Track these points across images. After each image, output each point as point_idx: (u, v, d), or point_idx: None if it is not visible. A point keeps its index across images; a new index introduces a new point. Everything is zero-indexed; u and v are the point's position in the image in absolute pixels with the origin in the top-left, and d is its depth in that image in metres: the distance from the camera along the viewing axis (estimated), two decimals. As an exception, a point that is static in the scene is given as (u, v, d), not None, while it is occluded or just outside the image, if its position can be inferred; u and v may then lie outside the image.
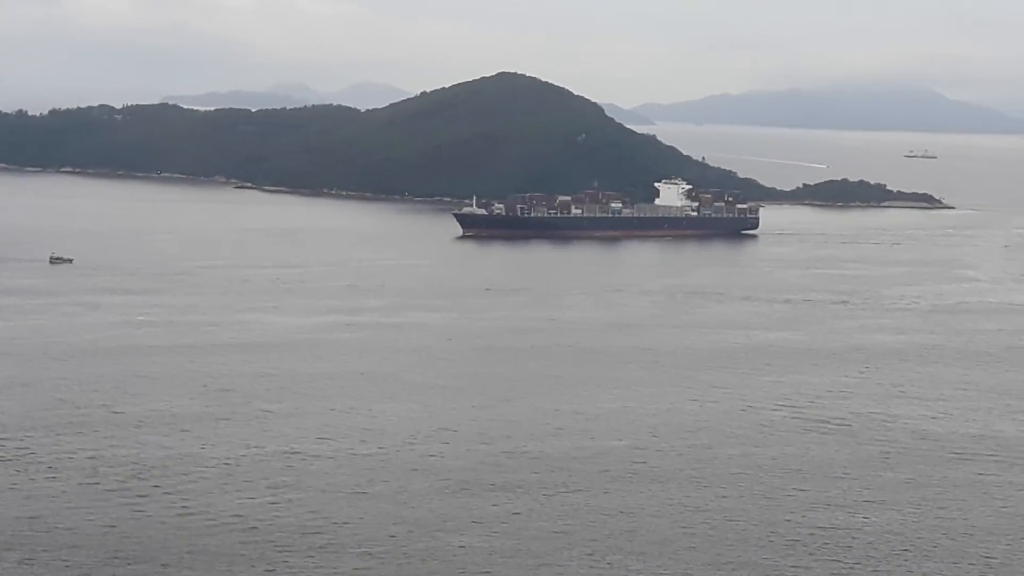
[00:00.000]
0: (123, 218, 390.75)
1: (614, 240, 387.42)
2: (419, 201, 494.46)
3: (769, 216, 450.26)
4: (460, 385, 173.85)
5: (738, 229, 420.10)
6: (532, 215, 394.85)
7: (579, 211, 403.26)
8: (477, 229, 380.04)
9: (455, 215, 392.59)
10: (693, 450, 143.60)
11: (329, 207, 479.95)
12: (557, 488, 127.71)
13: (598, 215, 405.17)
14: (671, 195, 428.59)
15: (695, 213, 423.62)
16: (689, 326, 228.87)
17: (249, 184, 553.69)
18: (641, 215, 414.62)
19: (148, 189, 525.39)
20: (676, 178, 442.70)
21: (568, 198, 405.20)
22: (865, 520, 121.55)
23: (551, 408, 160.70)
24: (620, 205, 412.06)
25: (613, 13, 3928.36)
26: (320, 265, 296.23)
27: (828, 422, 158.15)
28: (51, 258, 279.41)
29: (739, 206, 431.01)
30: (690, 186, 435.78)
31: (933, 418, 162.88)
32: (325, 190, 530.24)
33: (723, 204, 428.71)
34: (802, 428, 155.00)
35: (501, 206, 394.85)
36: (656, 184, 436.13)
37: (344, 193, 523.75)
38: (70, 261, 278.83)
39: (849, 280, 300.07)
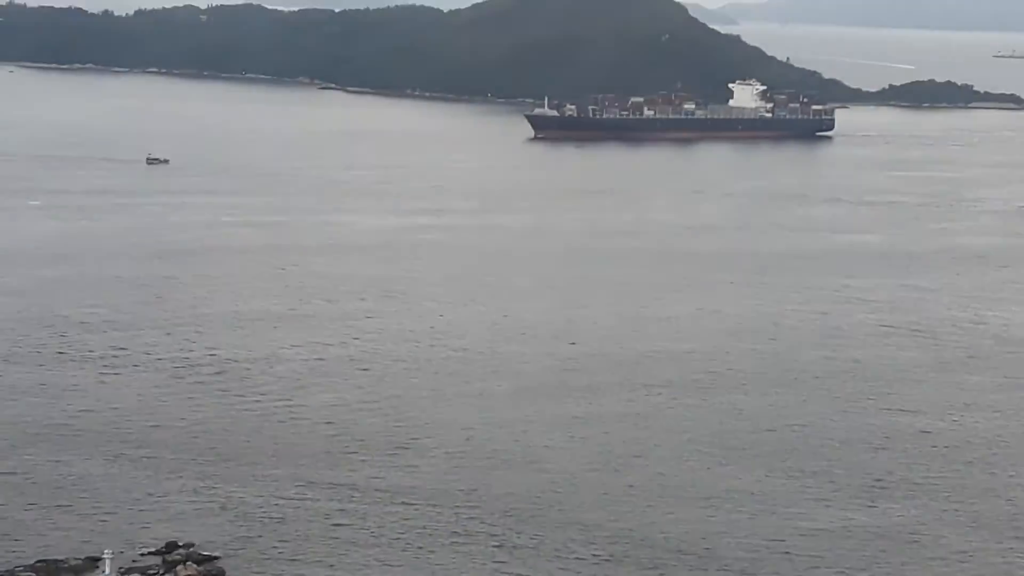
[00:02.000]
0: (212, 119, 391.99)
1: (687, 142, 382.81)
2: (501, 102, 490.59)
3: (853, 117, 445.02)
4: (541, 287, 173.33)
5: (813, 131, 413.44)
6: (604, 116, 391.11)
7: (652, 112, 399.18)
8: (549, 131, 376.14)
9: (527, 116, 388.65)
10: (773, 354, 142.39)
11: (412, 108, 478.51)
12: (637, 391, 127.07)
13: (671, 116, 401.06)
14: (745, 96, 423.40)
15: (769, 114, 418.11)
16: (770, 229, 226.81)
17: (333, 85, 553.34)
18: (715, 116, 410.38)
19: (234, 90, 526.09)
20: (750, 79, 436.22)
21: (641, 99, 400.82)
22: (950, 425, 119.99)
23: (632, 311, 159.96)
24: (693, 106, 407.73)
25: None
26: (401, 167, 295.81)
27: (911, 326, 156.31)
28: (148, 159, 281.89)
29: (814, 107, 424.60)
30: (764, 87, 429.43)
31: (1017, 323, 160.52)
32: (408, 91, 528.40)
33: (798, 105, 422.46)
34: (884, 332, 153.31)
35: (573, 107, 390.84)
36: (730, 85, 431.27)
37: (427, 94, 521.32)
38: (166, 162, 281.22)
39: (934, 182, 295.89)
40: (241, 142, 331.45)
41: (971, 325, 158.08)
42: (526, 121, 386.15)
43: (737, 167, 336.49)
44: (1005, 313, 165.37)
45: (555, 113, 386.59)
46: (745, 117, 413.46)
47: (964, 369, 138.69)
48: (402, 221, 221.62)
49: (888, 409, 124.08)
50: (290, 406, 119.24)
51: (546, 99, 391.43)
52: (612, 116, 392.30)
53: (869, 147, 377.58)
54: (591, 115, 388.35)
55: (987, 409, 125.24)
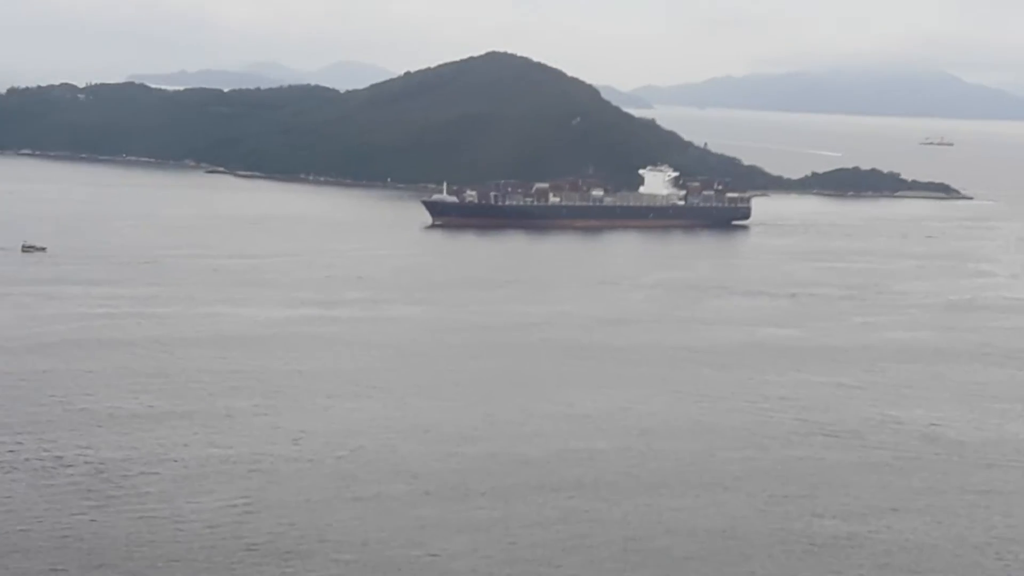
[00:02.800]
0: (92, 204, 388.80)
1: (595, 230, 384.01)
2: (403, 187, 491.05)
3: (774, 205, 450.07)
4: (442, 383, 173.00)
5: (728, 219, 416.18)
6: (507, 203, 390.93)
7: (558, 199, 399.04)
8: (448, 217, 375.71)
9: (424, 202, 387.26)
10: (692, 454, 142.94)
11: (305, 193, 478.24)
12: (546, 494, 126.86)
13: (578, 203, 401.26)
14: (656, 183, 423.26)
15: (682, 202, 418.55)
16: (687, 321, 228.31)
17: (221, 168, 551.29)
18: (624, 204, 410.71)
19: (114, 173, 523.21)
20: (661, 165, 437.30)
21: (546, 185, 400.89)
22: (876, 530, 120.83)
23: (540, 408, 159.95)
24: (602, 193, 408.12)
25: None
26: (290, 255, 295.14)
27: (834, 425, 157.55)
28: (23, 246, 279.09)
29: (729, 195, 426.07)
30: (676, 173, 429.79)
31: (946, 422, 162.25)
32: (302, 175, 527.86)
33: (712, 193, 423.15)
34: (807, 431, 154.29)
35: (473, 193, 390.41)
36: (640, 171, 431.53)
37: (322, 179, 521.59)
38: (43, 249, 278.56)
39: (858, 273, 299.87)
40: (121, 228, 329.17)
41: (897, 424, 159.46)
42: (423, 207, 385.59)
43: (650, 257, 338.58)
44: (932, 412, 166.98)
45: (454, 199, 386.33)
46: (656, 204, 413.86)
47: (890, 471, 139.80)
48: (291, 312, 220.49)
49: (812, 513, 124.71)
50: (172, 510, 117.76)
51: (445, 184, 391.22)
52: (515, 203, 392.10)
53: (790, 236, 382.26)
54: (493, 201, 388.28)
55: (915, 512, 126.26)
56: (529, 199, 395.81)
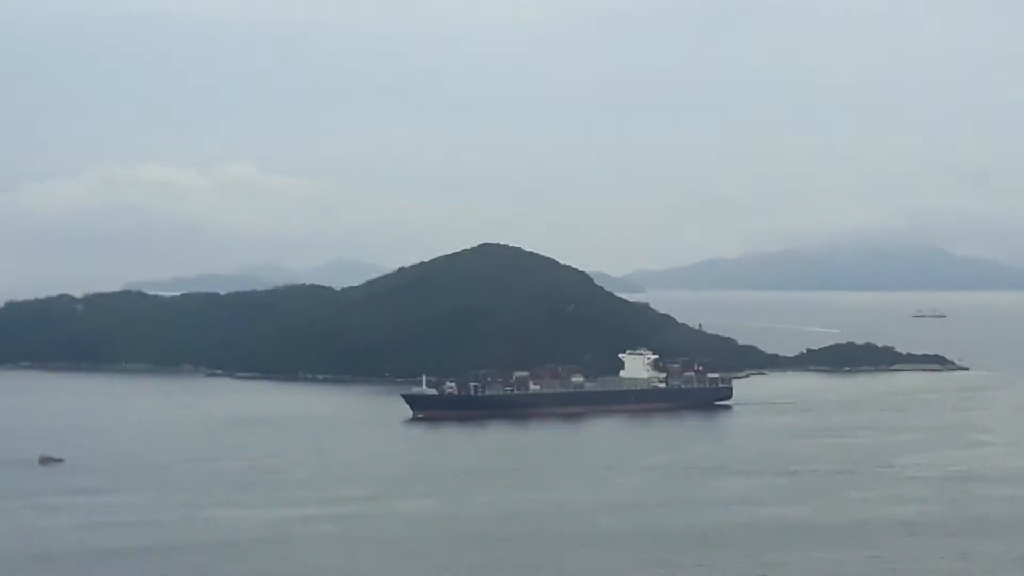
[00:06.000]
0: (100, 414, 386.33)
1: (576, 416, 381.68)
2: (400, 382, 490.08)
3: (770, 383, 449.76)
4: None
5: (710, 400, 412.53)
6: (487, 393, 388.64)
7: (538, 387, 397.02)
8: (428, 410, 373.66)
9: (403, 396, 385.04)
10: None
11: (301, 392, 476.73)
12: None
13: (559, 390, 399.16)
14: (636, 366, 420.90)
15: (663, 384, 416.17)
16: (689, 504, 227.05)
17: (220, 371, 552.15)
18: (605, 389, 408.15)
19: (115, 382, 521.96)
20: (641, 348, 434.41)
21: (525, 373, 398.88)
22: None
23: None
24: (582, 379, 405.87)
25: (599, 180, 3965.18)
26: (285, 454, 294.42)
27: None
28: (41, 458, 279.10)
29: (710, 375, 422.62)
30: (656, 356, 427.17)
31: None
32: (300, 374, 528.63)
33: (693, 374, 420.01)
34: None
35: (452, 384, 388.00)
36: (620, 355, 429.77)
37: (320, 377, 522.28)
38: (61, 461, 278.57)
39: (857, 448, 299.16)
40: (130, 437, 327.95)
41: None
42: (403, 401, 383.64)
43: (644, 440, 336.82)
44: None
45: (434, 391, 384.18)
46: (637, 388, 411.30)
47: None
48: (290, 512, 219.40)
49: None
50: None
51: (424, 378, 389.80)
52: (495, 392, 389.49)
53: (788, 414, 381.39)
54: (472, 392, 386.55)
55: None
56: (509, 388, 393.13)
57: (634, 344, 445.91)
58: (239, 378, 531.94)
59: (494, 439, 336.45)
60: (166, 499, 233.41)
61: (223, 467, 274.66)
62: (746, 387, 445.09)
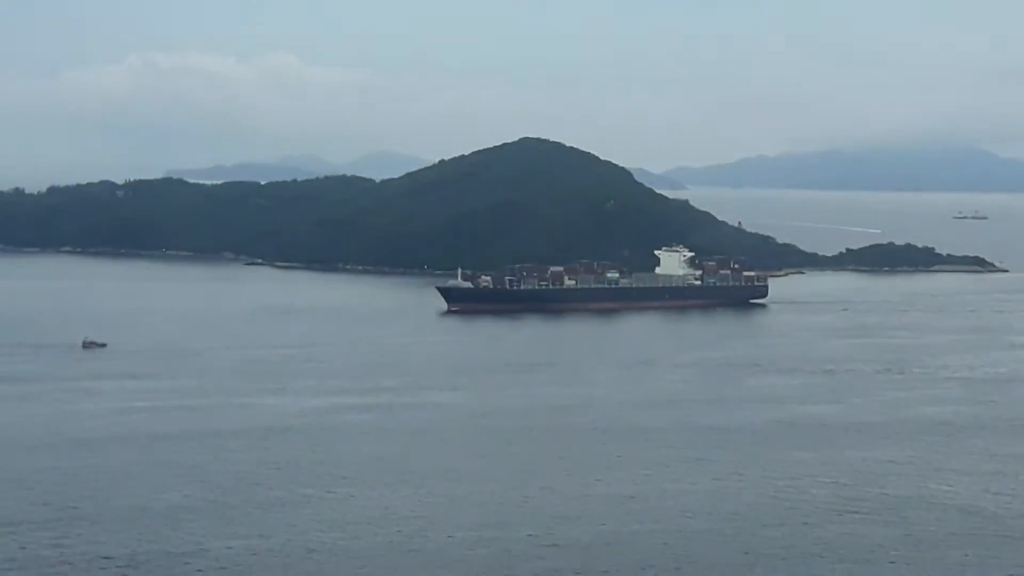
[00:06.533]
0: (141, 299, 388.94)
1: (611, 312, 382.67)
2: (440, 274, 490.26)
3: (809, 282, 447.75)
4: (484, 468, 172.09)
5: (745, 298, 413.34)
6: (522, 287, 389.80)
7: (572, 282, 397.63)
8: (463, 303, 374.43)
9: (439, 288, 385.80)
10: (732, 534, 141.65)
11: (341, 282, 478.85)
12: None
13: (593, 286, 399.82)
14: (672, 263, 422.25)
15: (698, 282, 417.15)
16: (725, 400, 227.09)
17: (260, 260, 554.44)
18: (640, 285, 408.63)
19: (155, 268, 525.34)
20: (677, 245, 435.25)
21: (560, 269, 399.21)
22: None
23: (582, 491, 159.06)
24: (617, 275, 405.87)
25: (639, 75, 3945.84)
26: (324, 344, 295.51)
27: (875, 502, 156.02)
28: (84, 342, 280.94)
29: (746, 274, 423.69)
30: (692, 253, 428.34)
31: (984, 496, 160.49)
32: (340, 264, 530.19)
33: (728, 272, 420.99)
34: (848, 509, 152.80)
35: (488, 278, 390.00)
36: (656, 252, 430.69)
37: (359, 268, 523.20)
38: (104, 345, 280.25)
39: (894, 349, 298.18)
40: (170, 323, 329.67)
41: (938, 500, 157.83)
42: (438, 293, 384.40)
43: (680, 337, 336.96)
44: (973, 486, 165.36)
45: (469, 285, 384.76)
46: (672, 285, 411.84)
47: (934, 548, 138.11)
48: (328, 401, 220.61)
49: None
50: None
51: (459, 270, 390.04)
52: (530, 287, 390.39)
53: (825, 314, 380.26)
54: (508, 286, 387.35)
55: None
56: (544, 283, 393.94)
57: (673, 241, 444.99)
58: (278, 267, 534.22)
59: (528, 333, 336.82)
60: (205, 385, 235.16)
61: (261, 355, 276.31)
62: (783, 286, 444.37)
